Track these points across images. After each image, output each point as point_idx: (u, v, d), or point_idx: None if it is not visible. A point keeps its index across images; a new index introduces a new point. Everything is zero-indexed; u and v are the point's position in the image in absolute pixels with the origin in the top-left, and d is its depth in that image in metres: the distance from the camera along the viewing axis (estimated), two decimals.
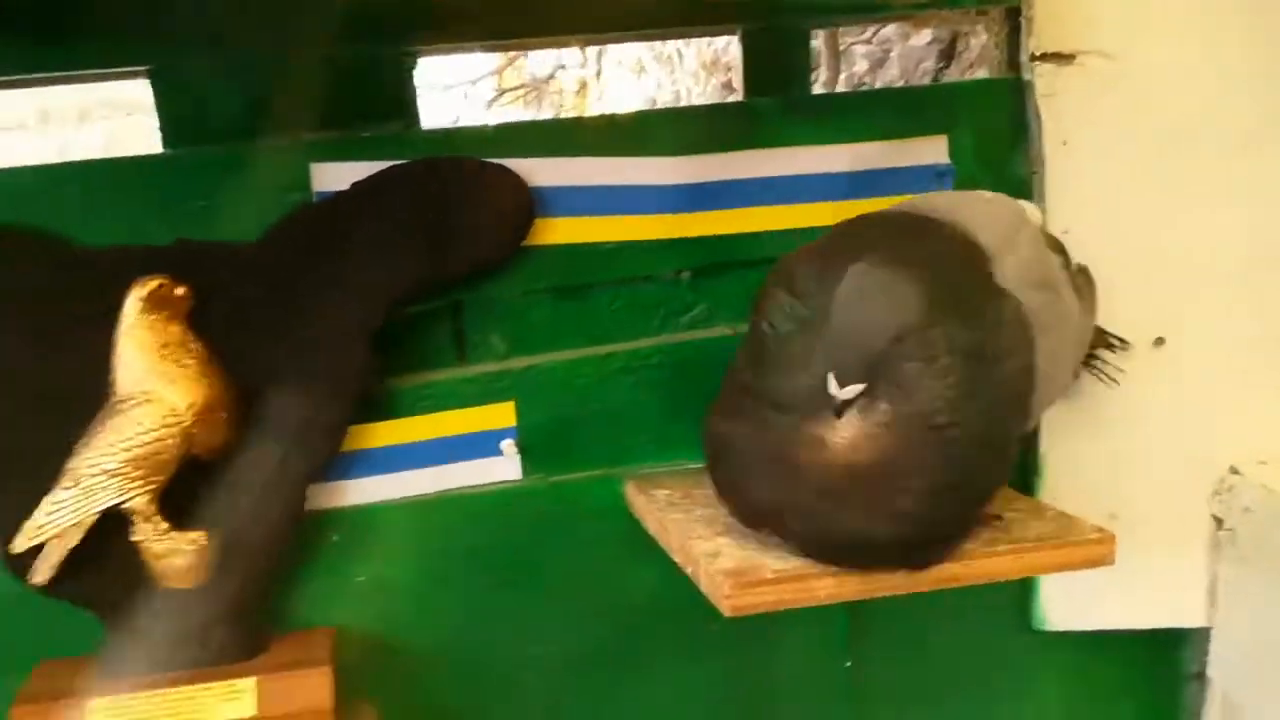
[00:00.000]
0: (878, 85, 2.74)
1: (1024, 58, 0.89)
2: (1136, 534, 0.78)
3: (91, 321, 0.73)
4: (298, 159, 0.78)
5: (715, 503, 0.81)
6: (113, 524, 0.73)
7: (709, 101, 3.18)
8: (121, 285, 0.73)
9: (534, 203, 0.82)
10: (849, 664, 0.97)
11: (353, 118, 0.80)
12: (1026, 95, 0.90)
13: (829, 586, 0.64)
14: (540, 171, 0.83)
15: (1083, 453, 0.92)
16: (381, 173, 0.79)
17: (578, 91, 3.34)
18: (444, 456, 0.87)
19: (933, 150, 0.93)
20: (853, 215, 0.91)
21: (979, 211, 0.72)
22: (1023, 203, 0.82)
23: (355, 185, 0.78)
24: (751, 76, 0.92)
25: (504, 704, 0.92)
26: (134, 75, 0.78)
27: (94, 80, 0.80)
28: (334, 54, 0.80)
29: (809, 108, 0.92)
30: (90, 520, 0.72)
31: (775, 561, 0.66)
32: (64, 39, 0.73)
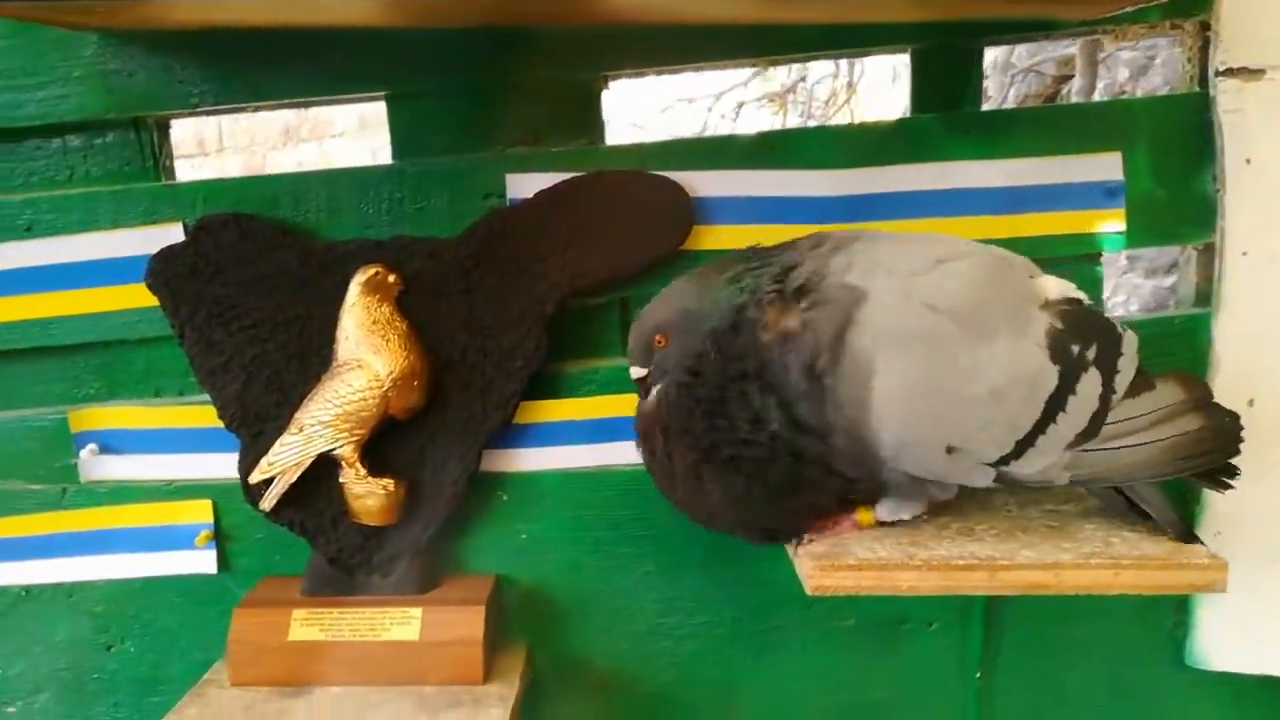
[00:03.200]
0: (1138, 94, 2.57)
1: (1210, 72, 0.86)
2: None
3: (326, 300, 0.90)
4: (496, 170, 0.91)
5: None
6: (324, 467, 0.90)
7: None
8: (348, 272, 0.90)
9: (694, 210, 0.90)
10: (979, 675, 0.97)
11: (546, 135, 0.92)
12: (1210, 111, 0.86)
13: (910, 579, 0.67)
14: (702, 183, 0.91)
15: (1249, 497, 0.86)
16: (563, 182, 0.90)
17: (828, 100, 3.37)
18: (602, 435, 0.97)
19: (1104, 167, 0.91)
20: (1014, 230, 0.94)
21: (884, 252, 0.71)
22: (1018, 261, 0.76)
23: (540, 193, 0.90)
24: (920, 93, 0.94)
25: (638, 664, 1.01)
26: (376, 98, 0.94)
27: (349, 102, 0.97)
28: (533, 79, 0.91)
29: (976, 124, 0.93)
30: (308, 461, 0.89)
31: (863, 550, 0.70)
32: (328, 68, 0.91)
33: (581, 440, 0.97)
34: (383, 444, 0.91)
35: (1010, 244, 0.92)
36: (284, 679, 0.89)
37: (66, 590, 0.99)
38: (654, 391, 0.75)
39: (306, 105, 0.96)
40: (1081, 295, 0.75)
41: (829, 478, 0.70)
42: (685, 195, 0.90)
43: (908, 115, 0.95)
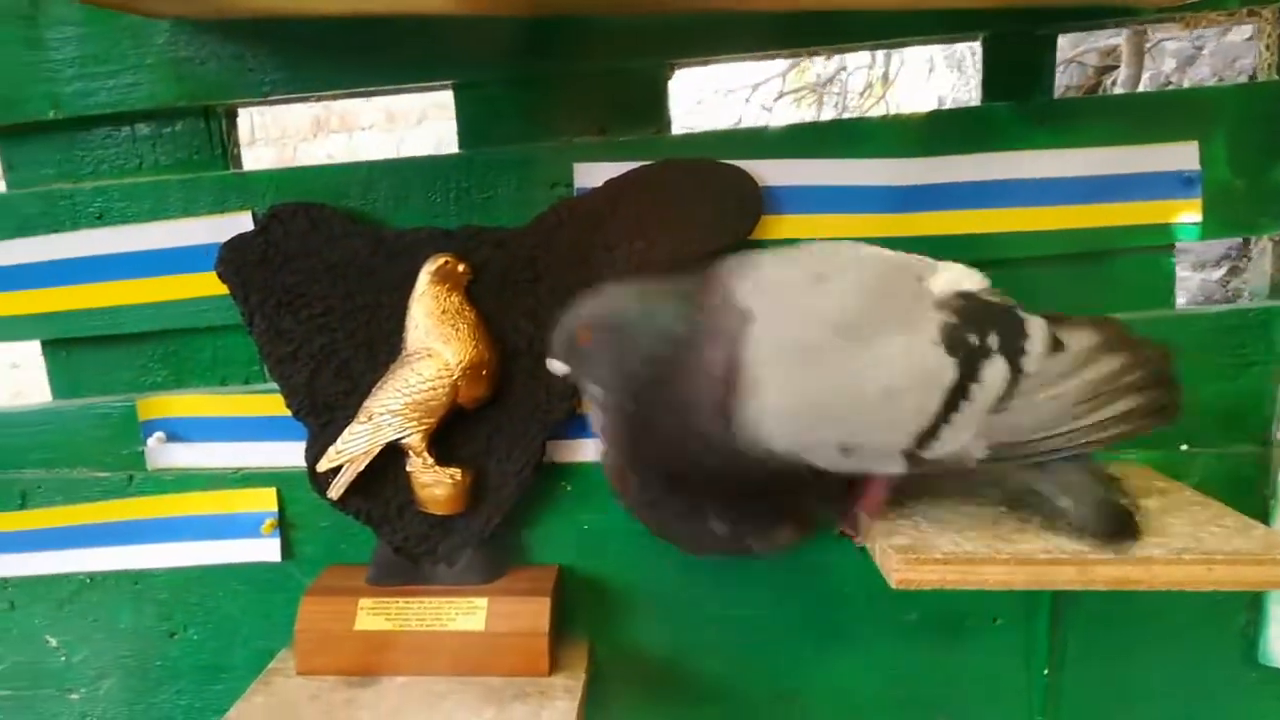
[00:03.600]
0: (1185, 84, 2.52)
1: None
2: None
3: (395, 288, 0.90)
4: (564, 159, 0.91)
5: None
6: (391, 456, 0.90)
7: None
8: (417, 261, 0.89)
9: (762, 200, 0.90)
10: (1046, 672, 0.96)
11: (613, 124, 0.91)
12: None
13: (999, 573, 0.66)
14: (770, 171, 0.90)
15: None
16: (631, 171, 0.89)
17: (863, 92, 3.35)
18: None
19: (1181, 156, 0.90)
20: (1086, 220, 0.92)
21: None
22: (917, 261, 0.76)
23: (608, 182, 0.89)
24: (992, 81, 0.93)
25: (701, 657, 1.00)
26: (443, 87, 0.94)
27: (416, 91, 0.96)
28: (600, 68, 0.91)
29: (1049, 112, 0.92)
30: (376, 450, 0.89)
31: (948, 544, 0.69)
32: (397, 57, 0.91)
33: None
34: (449, 433, 0.91)
35: (1082, 235, 0.92)
36: (350, 668, 0.90)
37: (131, 577, 0.99)
38: (602, 432, 0.76)
39: (374, 95, 0.96)
40: (977, 286, 0.74)
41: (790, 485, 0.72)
42: (754, 184, 0.89)
43: (979, 103, 0.94)
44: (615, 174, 0.90)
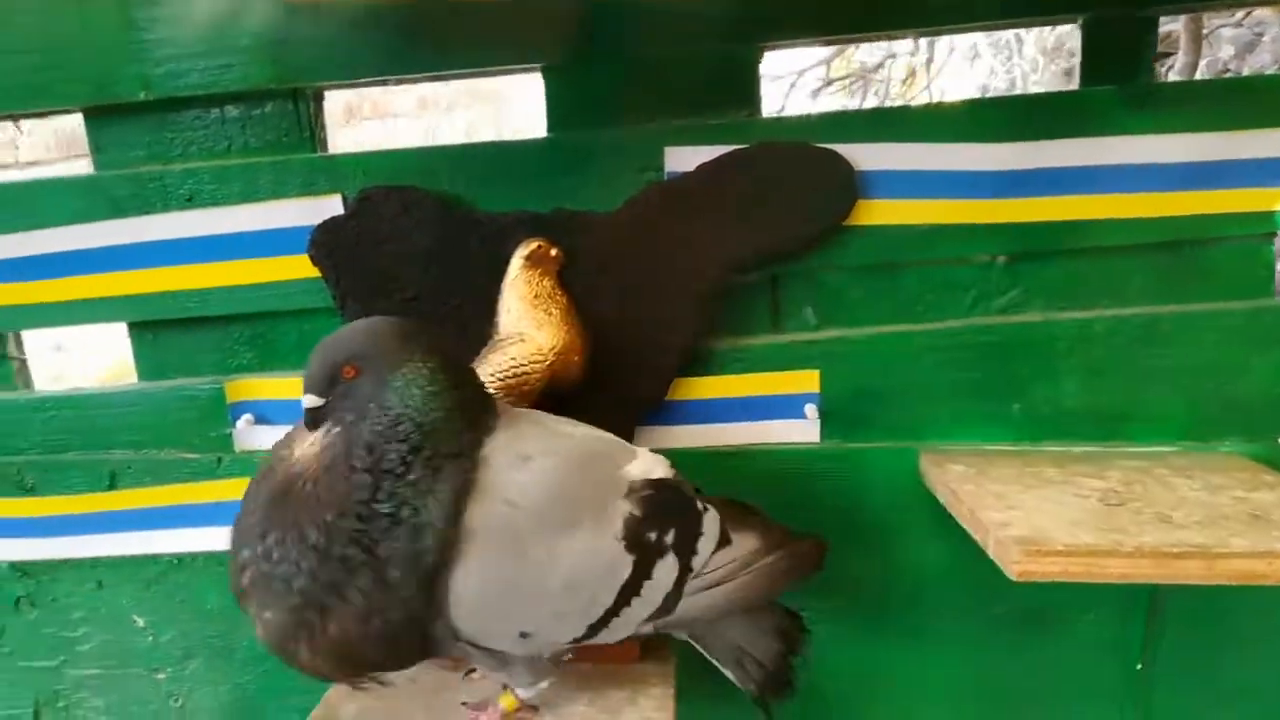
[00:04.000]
0: (1245, 72, 2.45)
1: None
2: None
3: (487, 272, 0.89)
4: (654, 143, 0.89)
5: (1009, 480, 0.85)
6: None
7: (1046, 88, 3.03)
8: (509, 245, 0.89)
9: (858, 184, 0.88)
10: (1140, 667, 0.95)
11: (703, 107, 0.90)
12: None
13: (1122, 566, 0.65)
14: (865, 156, 0.88)
15: None
16: (724, 155, 0.88)
17: (905, 80, 3.31)
18: (750, 414, 0.96)
19: None
20: (1184, 207, 0.90)
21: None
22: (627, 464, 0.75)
23: (701, 166, 0.88)
24: (1090, 64, 0.91)
25: None
26: (530, 70, 0.93)
27: (504, 73, 0.95)
28: (690, 51, 0.90)
29: (1150, 97, 0.89)
30: None
31: (1068, 536, 0.68)
32: (485, 40, 0.90)
33: (730, 419, 0.96)
34: None
35: (1178, 222, 0.90)
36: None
37: (218, 559, 1.00)
38: (323, 432, 0.66)
39: (461, 77, 0.95)
40: (668, 474, 0.76)
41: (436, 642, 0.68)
42: (849, 168, 0.88)
43: (1077, 87, 0.92)
44: (707, 158, 0.89)
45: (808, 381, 0.95)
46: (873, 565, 0.98)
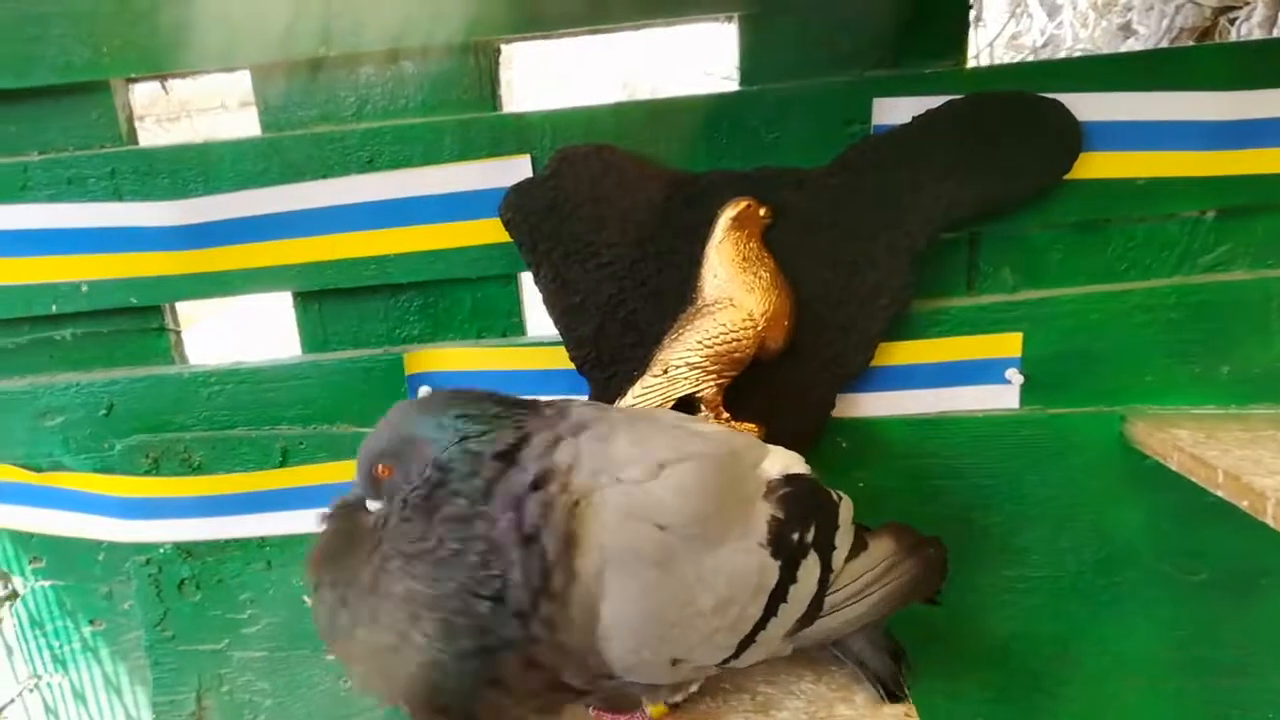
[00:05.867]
0: None
1: None
2: None
3: (689, 235, 0.85)
4: (860, 95, 0.85)
5: (1245, 444, 0.81)
6: (683, 410, 0.85)
7: (1096, 45, 2.97)
8: (713, 205, 0.85)
9: (1081, 135, 0.84)
10: None
11: (909, 55, 0.85)
12: None
13: None
14: (1089, 105, 0.84)
15: None
16: (940, 107, 0.83)
17: None
18: (948, 380, 0.92)
19: None
20: None
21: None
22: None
23: (916, 119, 0.84)
24: None
25: (978, 616, 0.97)
26: (721, 19, 0.88)
27: (696, 22, 0.90)
28: None
29: None
30: (670, 405, 0.85)
31: None
32: None
33: (927, 384, 0.92)
34: (741, 386, 0.86)
35: None
36: None
37: None
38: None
39: (649, 27, 0.90)
40: (803, 469, 0.74)
41: (552, 689, 0.63)
42: (1072, 119, 0.84)
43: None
44: (918, 110, 0.84)
45: (1010, 345, 0.91)
46: (1070, 533, 0.95)
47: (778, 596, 0.68)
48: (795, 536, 0.68)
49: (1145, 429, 0.88)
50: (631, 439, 0.65)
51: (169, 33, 0.86)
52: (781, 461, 0.73)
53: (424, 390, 0.92)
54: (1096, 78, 0.84)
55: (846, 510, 0.76)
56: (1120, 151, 0.85)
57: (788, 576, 0.68)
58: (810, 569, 0.70)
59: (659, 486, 0.63)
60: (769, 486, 0.70)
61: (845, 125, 0.86)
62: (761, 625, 0.67)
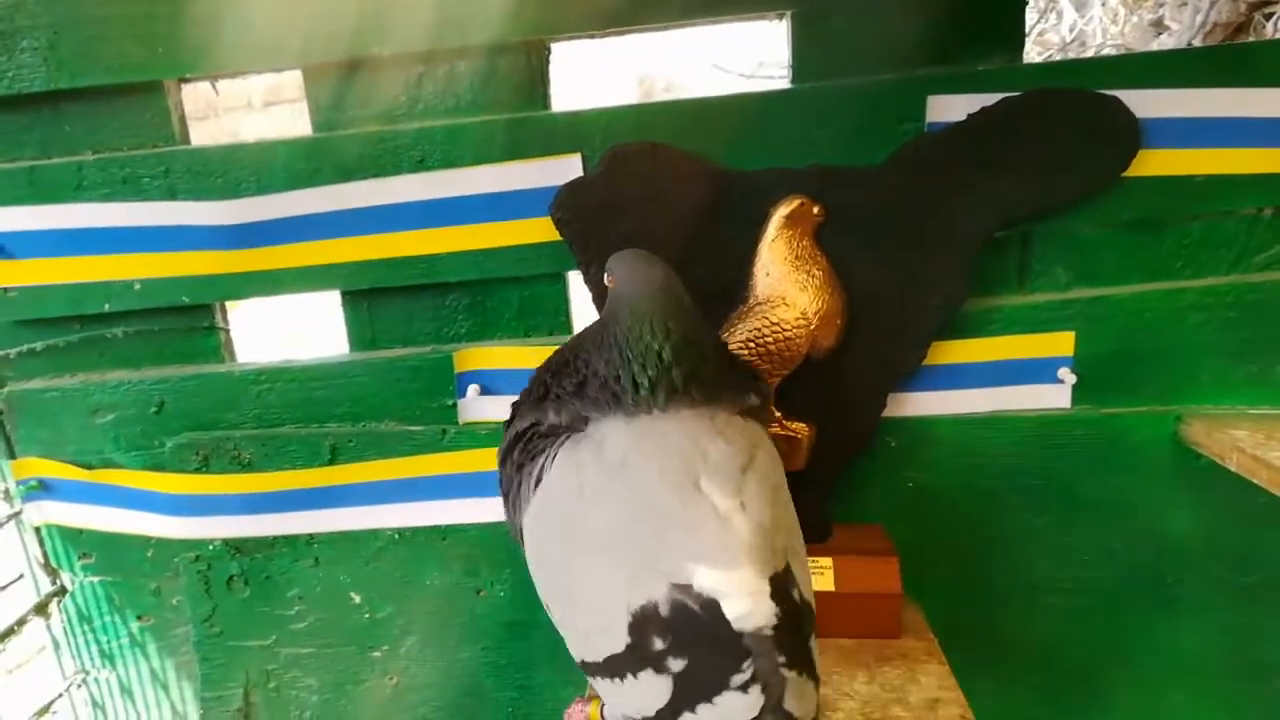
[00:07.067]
0: None
1: None
2: None
3: (742, 233, 0.85)
4: (913, 92, 0.84)
5: None
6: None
7: (1127, 42, 2.93)
8: (765, 203, 0.84)
9: (1139, 133, 0.83)
10: None
11: (963, 52, 0.85)
12: None
13: None
14: (1148, 102, 0.83)
15: None
16: (997, 104, 0.82)
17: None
18: (1000, 379, 0.91)
19: None
20: None
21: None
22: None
23: (972, 115, 0.83)
24: None
25: (1026, 618, 0.96)
26: (773, 17, 0.87)
27: (747, 20, 0.89)
28: None
29: None
30: None
31: None
32: None
33: (979, 384, 0.92)
34: (792, 385, 0.86)
35: None
36: None
37: (440, 533, 0.97)
38: None
39: (700, 24, 0.90)
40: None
41: None
42: (1130, 116, 0.83)
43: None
44: (973, 107, 0.83)
45: (1062, 344, 0.90)
46: (1122, 534, 0.94)
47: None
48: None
49: (1203, 429, 0.87)
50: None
51: (223, 34, 0.86)
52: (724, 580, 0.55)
53: (473, 389, 0.93)
54: (1155, 74, 0.83)
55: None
56: (1178, 148, 0.84)
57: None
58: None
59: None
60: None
61: (899, 123, 0.85)
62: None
